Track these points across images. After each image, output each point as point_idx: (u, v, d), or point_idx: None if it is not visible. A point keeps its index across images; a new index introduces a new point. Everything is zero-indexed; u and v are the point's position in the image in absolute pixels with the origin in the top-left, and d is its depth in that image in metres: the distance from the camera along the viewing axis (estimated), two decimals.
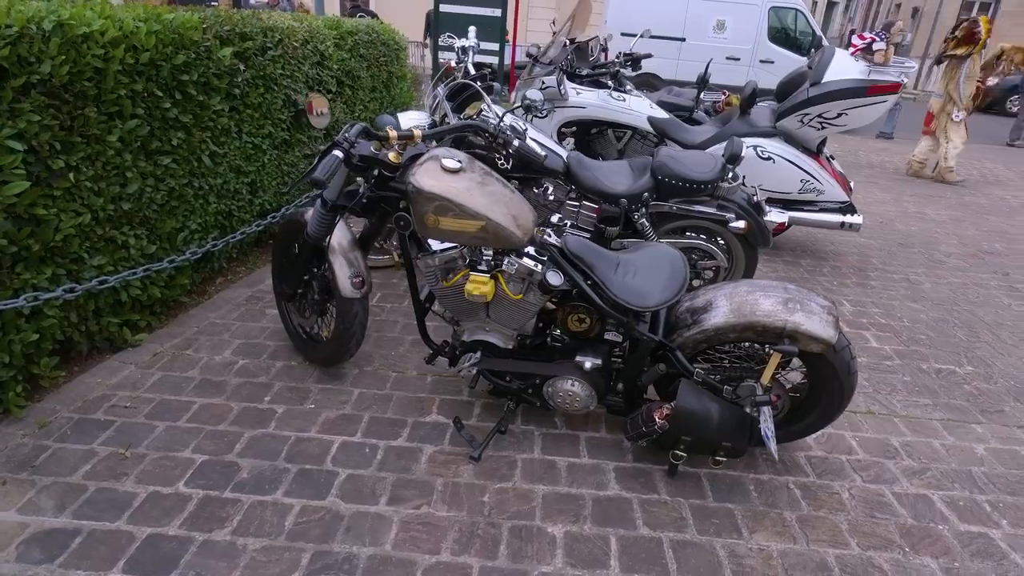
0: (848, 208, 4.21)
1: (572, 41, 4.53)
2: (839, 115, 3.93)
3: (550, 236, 2.17)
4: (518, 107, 2.83)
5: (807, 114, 3.96)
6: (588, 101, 4.44)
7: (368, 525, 1.92)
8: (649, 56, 5.24)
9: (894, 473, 2.32)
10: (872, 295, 3.95)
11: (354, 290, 2.38)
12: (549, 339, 2.31)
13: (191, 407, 2.42)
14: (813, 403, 2.18)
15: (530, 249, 2.14)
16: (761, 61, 11.50)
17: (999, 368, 3.13)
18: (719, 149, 4.13)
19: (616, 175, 3.15)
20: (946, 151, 7.25)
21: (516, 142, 2.18)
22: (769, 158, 4.06)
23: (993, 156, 9.52)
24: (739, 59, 11.44)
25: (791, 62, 11.38)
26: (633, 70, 4.77)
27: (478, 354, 2.30)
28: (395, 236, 3.58)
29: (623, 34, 11.42)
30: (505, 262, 2.15)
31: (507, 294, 2.16)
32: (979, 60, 6.96)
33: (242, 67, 3.02)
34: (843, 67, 3.92)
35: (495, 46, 10.87)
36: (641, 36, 5.47)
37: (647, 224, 3.06)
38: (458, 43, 3.59)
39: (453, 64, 3.61)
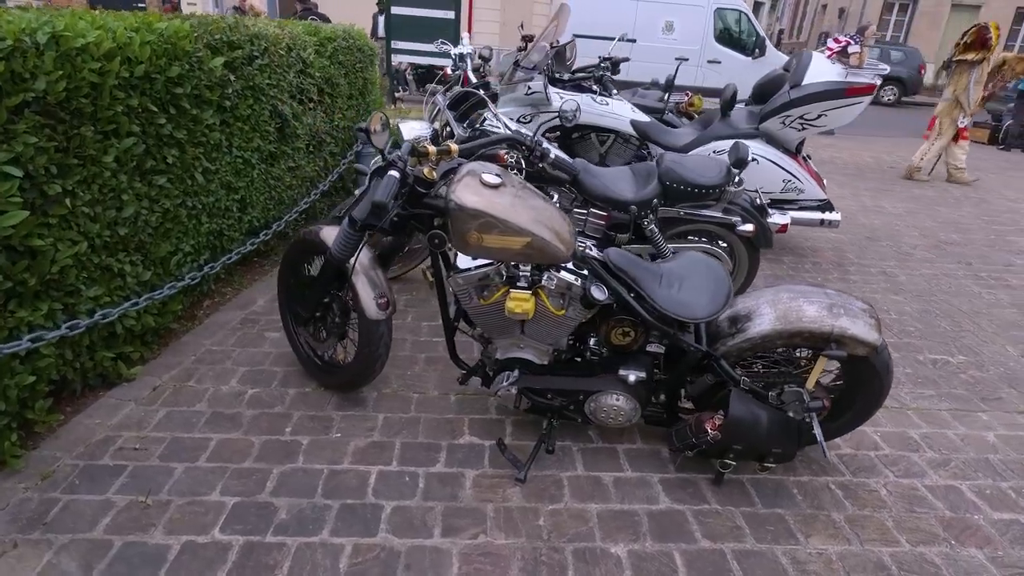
0: (826, 205, 4.35)
1: (552, 46, 4.51)
2: (819, 116, 4.05)
3: (591, 249, 2.13)
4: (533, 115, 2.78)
5: (789, 115, 4.07)
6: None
7: (428, 560, 1.83)
8: (627, 60, 5.28)
9: (921, 466, 2.39)
10: (855, 289, 4.09)
11: (380, 311, 2.28)
12: (589, 353, 2.27)
13: (208, 444, 2.26)
14: (849, 403, 2.22)
15: (568, 263, 2.10)
16: (709, 61, 11.81)
17: (987, 356, 3.30)
18: (705, 150, 4.20)
19: (622, 182, 3.14)
20: (925, 152, 7.44)
21: (552, 154, 2.13)
22: (753, 159, 4.13)
23: None
24: (688, 59, 11.71)
25: (737, 62, 11.78)
26: (612, 74, 4.79)
27: (515, 372, 2.24)
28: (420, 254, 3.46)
29: (575, 35, 11.51)
30: (544, 277, 2.10)
31: (549, 310, 2.11)
32: (988, 66, 7.05)
33: (232, 78, 2.85)
34: (821, 70, 4.04)
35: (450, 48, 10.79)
36: (620, 40, 5.51)
37: (656, 230, 3.06)
38: (455, 50, 3.50)
39: (449, 71, 3.52)
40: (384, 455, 2.27)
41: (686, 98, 6.77)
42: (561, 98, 4.42)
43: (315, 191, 3.64)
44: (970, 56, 7.03)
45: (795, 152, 4.33)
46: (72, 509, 1.93)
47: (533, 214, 2.00)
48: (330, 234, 2.35)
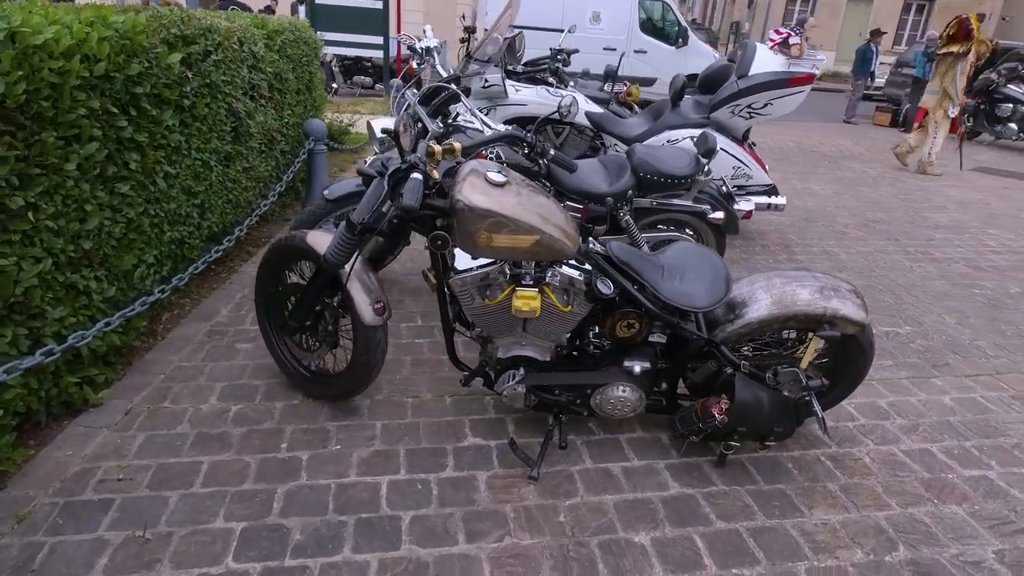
0: (772, 190, 4.56)
1: (504, 38, 4.48)
2: (765, 105, 4.24)
3: (594, 244, 2.15)
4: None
5: (738, 105, 4.23)
6: (528, 98, 4.43)
7: (458, 568, 1.81)
8: (576, 51, 5.32)
9: (894, 433, 2.57)
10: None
11: (376, 317, 2.21)
12: (591, 347, 2.29)
13: (199, 468, 2.12)
14: (836, 379, 2.35)
15: (573, 259, 2.11)
16: (635, 51, 12.09)
17: (929, 325, 3.58)
18: (658, 140, 4.31)
19: (596, 175, 3.17)
20: (931, 147, 7.66)
21: (552, 151, 2.13)
22: None
23: (838, 132, 10.78)
24: (615, 49, 11.95)
25: (662, 52, 12.13)
26: (564, 65, 4.82)
27: (521, 371, 2.23)
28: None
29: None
30: (549, 274, 2.10)
31: (556, 306, 2.11)
32: (972, 57, 7.27)
33: (189, 75, 2.66)
34: (765, 61, 4.22)
35: (378, 39, 10.51)
36: (569, 31, 5.53)
37: (631, 221, 3.12)
38: (420, 44, 3.41)
39: (415, 66, 3.43)
40: (391, 464, 2.21)
41: (624, 88, 6.92)
42: (516, 90, 4.41)
43: (272, 192, 3.47)
44: (955, 48, 7.25)
45: (742, 140, 4.51)
46: (61, 552, 1.77)
47: (540, 211, 1.99)
48: (318, 239, 2.25)
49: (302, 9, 10.06)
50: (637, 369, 2.20)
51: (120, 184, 2.27)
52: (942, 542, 2.02)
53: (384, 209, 2.06)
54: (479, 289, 2.12)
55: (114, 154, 2.22)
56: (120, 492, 2.00)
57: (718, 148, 3.20)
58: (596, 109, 4.58)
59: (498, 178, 1.96)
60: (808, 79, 4.17)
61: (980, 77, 10.27)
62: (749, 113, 4.29)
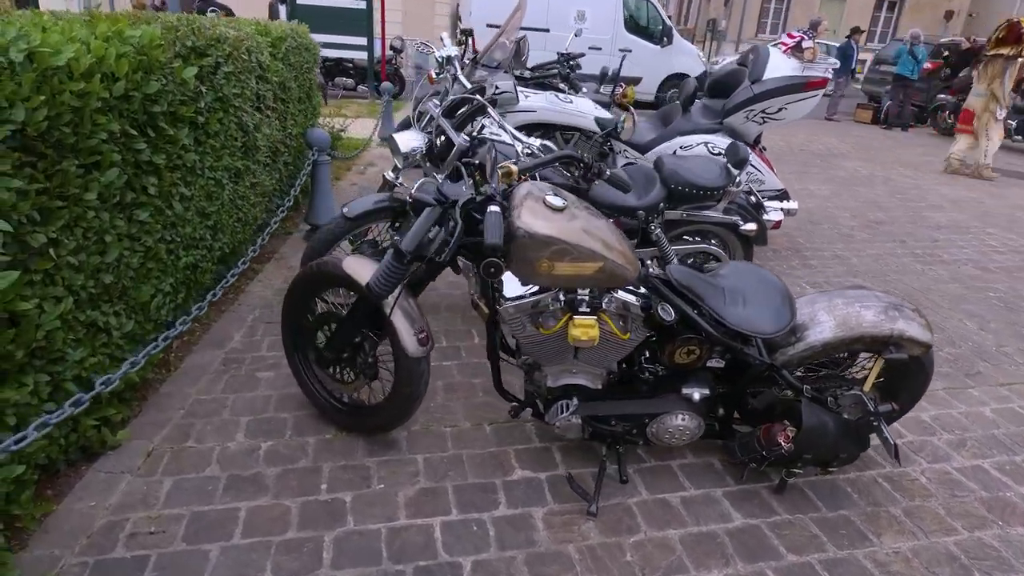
0: (783, 195, 4.52)
1: (512, 42, 4.36)
2: (780, 109, 4.19)
3: (652, 267, 2.05)
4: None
5: (752, 110, 4.18)
6: (537, 104, 4.32)
7: None
8: (583, 55, 5.22)
9: (944, 449, 2.53)
10: (819, 275, 4.30)
11: (420, 348, 2.09)
12: (646, 373, 2.19)
13: (237, 516, 1.98)
14: (891, 398, 2.29)
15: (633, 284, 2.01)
16: (620, 50, 12.02)
17: (953, 331, 3.56)
18: (669, 146, 4.23)
19: None
20: (986, 149, 7.61)
21: (607, 171, 2.02)
22: (719, 153, 4.22)
23: (823, 130, 10.88)
24: (601, 48, 11.89)
25: (647, 51, 12.12)
26: (574, 70, 4.72)
27: (574, 401, 2.13)
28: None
29: (488, 25, 11.36)
30: (605, 300, 2.00)
31: (614, 333, 2.01)
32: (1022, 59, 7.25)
33: (203, 89, 2.50)
34: (778, 65, 4.17)
35: (362, 40, 10.29)
36: (576, 36, 5.43)
37: (662, 235, 3.03)
38: (438, 53, 3.27)
39: (434, 75, 3.29)
40: (440, 504, 2.08)
41: (620, 89, 6.85)
42: (525, 97, 4.29)
43: (281, 208, 3.31)
44: (1005, 51, 7.25)
45: (754, 144, 4.46)
46: None
47: (602, 236, 1.88)
48: (357, 267, 2.11)
49: (283, 9, 9.77)
50: (696, 396, 2.12)
51: (139, 211, 2.11)
52: (1016, 568, 1.97)
53: (432, 236, 1.93)
54: (532, 317, 2.01)
55: (132, 179, 2.06)
56: (154, 547, 1.84)
57: (748, 159, 3.12)
58: (606, 115, 4.49)
59: (557, 202, 1.85)
60: (822, 83, 4.14)
61: (960, 75, 10.46)
62: (763, 118, 4.24)
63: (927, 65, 11.47)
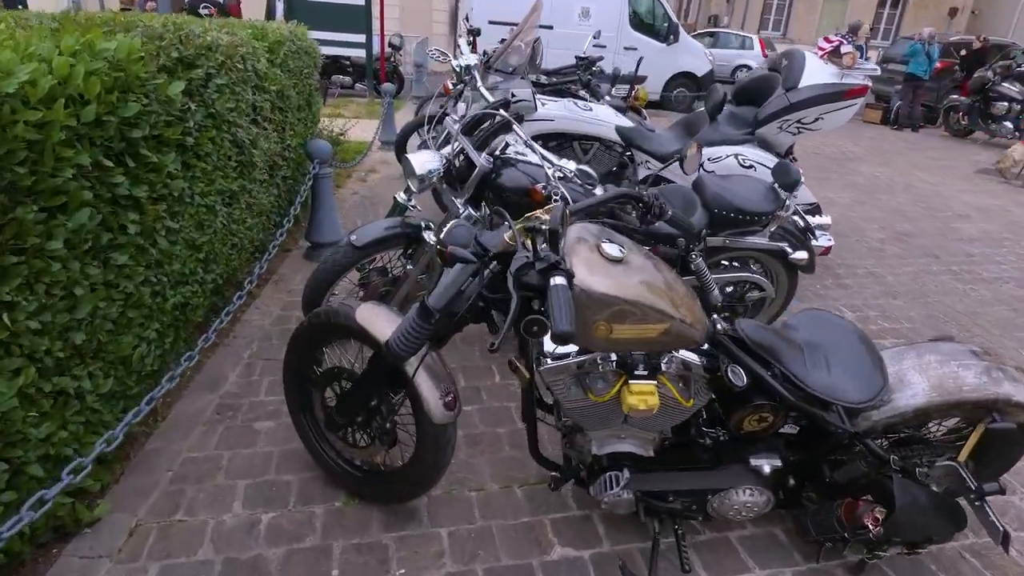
0: (815, 209, 4.24)
1: (526, 45, 4.04)
2: (816, 119, 3.90)
3: (720, 323, 1.76)
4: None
5: (787, 120, 3.89)
6: (556, 112, 4.01)
7: None
8: (601, 59, 4.92)
9: None
10: (856, 297, 4.02)
11: (447, 413, 1.79)
12: (706, 438, 1.90)
13: None
14: (980, 465, 2.01)
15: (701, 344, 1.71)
16: (625, 48, 11.73)
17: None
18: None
19: None
20: None
21: (670, 211, 1.73)
22: (751, 166, 3.93)
23: (835, 132, 10.58)
24: (605, 46, 11.56)
25: (652, 49, 11.78)
26: (595, 75, 4.41)
27: (625, 473, 1.83)
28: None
29: (491, 22, 11.03)
30: (664, 360, 1.71)
31: (675, 399, 1.72)
32: None
33: (192, 106, 2.18)
34: (815, 71, 3.88)
35: (361, 37, 9.94)
36: (595, 38, 5.12)
37: (704, 265, 2.74)
38: (456, 61, 2.96)
39: (450, 86, 2.98)
40: None
41: (633, 92, 6.54)
42: (543, 104, 3.98)
43: (280, 231, 3.00)
44: None
45: (785, 155, 4.18)
46: None
47: (667, 292, 1.59)
48: (372, 318, 1.81)
49: (280, 6, 9.40)
50: (766, 469, 1.83)
51: (117, 254, 1.80)
52: None
53: (464, 288, 1.63)
54: (578, 379, 1.72)
55: (108, 218, 1.74)
56: None
57: (801, 180, 2.83)
58: (626, 123, 4.18)
59: (614, 251, 1.55)
60: (863, 91, 3.85)
61: (975, 75, 10.19)
62: (798, 128, 3.95)
63: (937, 64, 11.19)
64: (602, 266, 1.53)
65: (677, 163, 2.61)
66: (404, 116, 8.36)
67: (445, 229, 1.68)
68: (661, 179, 4.18)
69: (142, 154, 1.85)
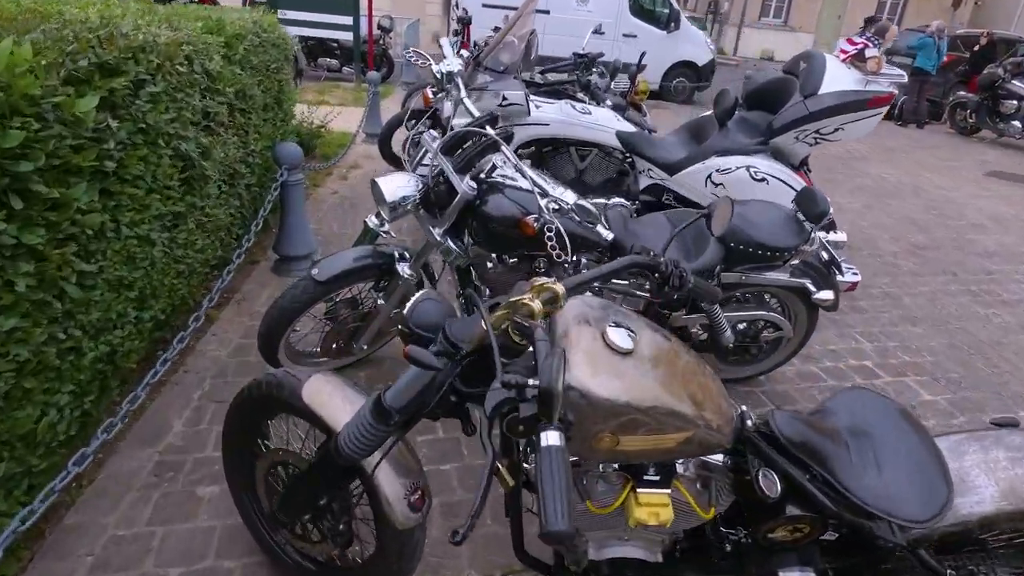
0: (831, 225, 3.91)
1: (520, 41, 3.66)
2: (836, 130, 3.56)
3: (749, 419, 1.42)
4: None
5: (805, 130, 3.55)
6: (551, 116, 3.64)
7: None
8: (602, 55, 4.53)
9: None
10: (873, 323, 3.71)
11: (413, 515, 1.47)
12: (726, 542, 1.58)
13: None
14: None
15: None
16: (624, 35, 11.30)
17: None
18: (703, 168, 3.60)
19: (672, 248, 2.43)
20: None
21: (691, 279, 1.40)
22: (763, 179, 3.60)
23: None
24: (604, 33, 11.08)
25: (653, 36, 11.37)
26: (600, 76, 4.03)
27: None
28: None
29: (484, 5, 10.57)
30: (680, 463, 1.39)
31: (694, 510, 1.40)
32: None
33: (113, 123, 1.81)
34: (837, 77, 3.53)
35: (348, 19, 9.47)
36: (594, 32, 4.74)
37: (718, 309, 2.41)
38: (437, 67, 2.58)
39: (431, 95, 2.61)
40: None
41: (633, 87, 6.15)
42: (537, 107, 3.60)
43: (239, 250, 2.64)
44: None
45: (799, 166, 3.84)
46: None
47: (688, 388, 1.26)
48: (322, 395, 1.48)
49: None
50: None
51: (1, 318, 1.44)
52: None
53: (427, 385, 1.28)
54: (576, 486, 1.39)
55: None
56: None
57: (829, 211, 2.49)
58: (627, 128, 3.83)
59: (625, 341, 1.21)
60: (888, 99, 3.50)
61: (985, 72, 9.85)
62: (816, 139, 3.61)
63: (944, 58, 10.83)
64: (608, 362, 1.19)
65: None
66: (392, 103, 7.94)
67: (409, 304, 1.34)
68: (664, 190, 3.85)
69: (34, 191, 1.48)
